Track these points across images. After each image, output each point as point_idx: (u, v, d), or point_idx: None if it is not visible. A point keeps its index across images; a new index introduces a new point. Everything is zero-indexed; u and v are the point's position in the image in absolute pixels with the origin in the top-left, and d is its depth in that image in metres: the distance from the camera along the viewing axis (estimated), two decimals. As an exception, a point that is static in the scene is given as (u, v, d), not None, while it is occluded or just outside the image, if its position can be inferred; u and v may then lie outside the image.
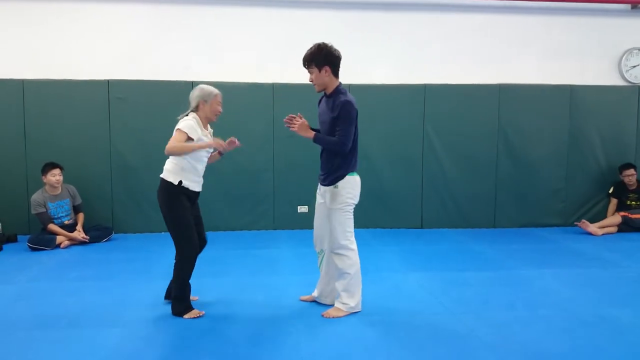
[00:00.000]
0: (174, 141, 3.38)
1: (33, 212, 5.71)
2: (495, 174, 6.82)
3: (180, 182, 3.47)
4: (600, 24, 7.01)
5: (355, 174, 3.54)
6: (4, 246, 5.64)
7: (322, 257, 3.73)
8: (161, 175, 3.53)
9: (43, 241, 5.53)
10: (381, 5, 6.73)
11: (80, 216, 5.96)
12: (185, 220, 3.45)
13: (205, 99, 3.56)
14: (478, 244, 5.78)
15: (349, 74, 6.67)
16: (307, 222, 6.70)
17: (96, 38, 6.37)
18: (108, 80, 6.28)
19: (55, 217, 5.76)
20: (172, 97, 6.28)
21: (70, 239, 5.67)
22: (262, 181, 6.60)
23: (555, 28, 6.95)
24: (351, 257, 3.52)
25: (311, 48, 3.47)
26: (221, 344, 3.04)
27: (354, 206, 3.59)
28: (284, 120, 3.62)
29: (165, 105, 6.22)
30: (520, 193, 6.87)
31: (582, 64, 7.01)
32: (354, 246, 3.56)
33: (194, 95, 3.57)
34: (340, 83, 3.56)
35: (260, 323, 3.38)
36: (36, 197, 5.70)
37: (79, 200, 5.99)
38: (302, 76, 6.59)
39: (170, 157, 3.51)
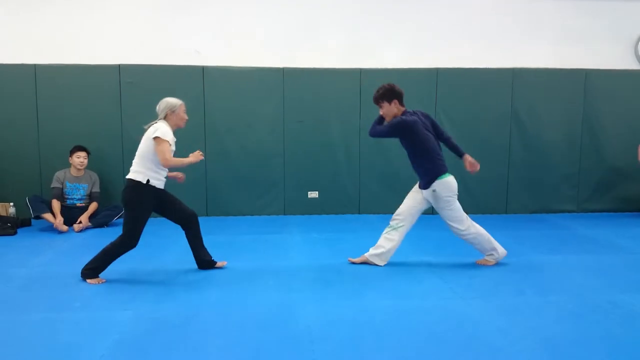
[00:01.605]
0: (167, 154, 3.78)
1: (51, 184, 5.89)
2: (508, 159, 6.77)
3: (148, 180, 3.84)
4: (615, 7, 6.88)
5: (446, 175, 4.18)
6: (19, 230, 5.71)
7: (394, 228, 4.35)
8: (128, 176, 3.89)
9: (34, 204, 5.75)
10: (393, -12, 6.65)
11: (93, 205, 5.96)
12: (142, 218, 3.86)
13: (172, 109, 3.95)
14: (489, 229, 5.75)
15: (360, 58, 6.66)
16: (317, 207, 6.72)
17: (107, 22, 6.37)
18: (119, 65, 6.29)
19: (69, 197, 5.88)
20: (182, 82, 6.30)
21: (55, 223, 5.64)
22: (273, 166, 6.61)
23: (569, 12, 6.84)
24: (468, 232, 4.26)
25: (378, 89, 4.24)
26: (231, 328, 3.06)
27: (455, 197, 4.23)
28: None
29: (175, 90, 6.18)
30: (533, 178, 6.81)
31: (597, 48, 6.89)
32: (465, 226, 4.24)
33: (162, 107, 3.96)
34: (405, 111, 4.24)
35: (271, 307, 3.40)
36: (59, 173, 5.94)
37: (96, 188, 6.03)
38: (311, 60, 6.62)
39: (139, 159, 3.88)
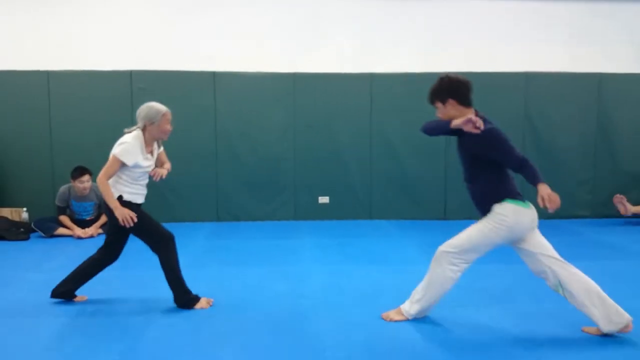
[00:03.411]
0: (105, 174, 3.30)
1: (55, 201, 5.81)
2: (521, 164, 6.69)
3: (121, 196, 3.36)
4: (629, 10, 6.81)
5: (514, 202, 3.09)
6: (31, 235, 5.74)
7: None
8: None
9: (43, 226, 5.68)
10: (404, -7, 6.64)
11: (105, 216, 5.92)
12: (144, 223, 3.38)
13: (152, 120, 3.37)
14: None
15: (371, 63, 6.64)
16: (327, 212, 6.70)
17: (119, 29, 6.42)
18: (131, 71, 6.32)
19: (77, 213, 5.84)
20: (193, 87, 6.32)
21: (73, 233, 5.65)
22: (283, 171, 6.60)
23: (583, 15, 6.78)
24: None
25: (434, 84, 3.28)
26: (243, 334, 3.04)
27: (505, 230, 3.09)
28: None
29: (187, 95, 6.26)
30: (548, 183, 6.68)
31: (611, 52, 6.82)
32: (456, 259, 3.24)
33: (140, 115, 3.39)
34: (476, 111, 3.25)
35: (283, 313, 3.37)
36: (63, 191, 5.76)
37: None
38: (322, 65, 6.61)
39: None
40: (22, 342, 2.94)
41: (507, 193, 3.09)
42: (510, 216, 3.03)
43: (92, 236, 5.67)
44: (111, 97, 6.31)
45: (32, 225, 5.73)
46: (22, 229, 5.70)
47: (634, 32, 6.83)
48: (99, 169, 6.02)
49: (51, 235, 5.65)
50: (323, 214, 6.67)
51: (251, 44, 6.56)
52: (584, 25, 6.79)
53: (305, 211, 6.68)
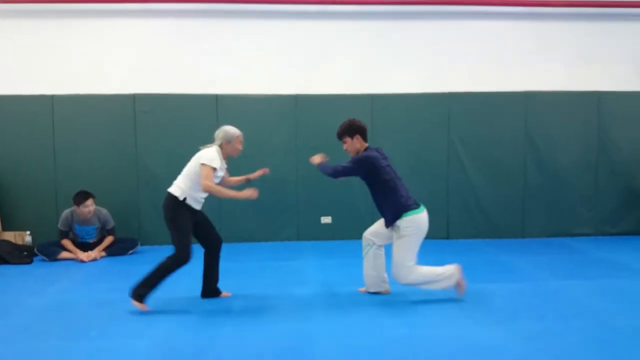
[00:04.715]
0: (208, 179, 3.81)
1: (58, 225, 5.81)
2: (523, 182, 6.71)
3: (185, 198, 3.88)
4: (629, 28, 6.89)
5: (414, 212, 4.00)
6: (34, 258, 5.73)
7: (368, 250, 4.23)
8: (169, 189, 3.94)
9: (47, 251, 5.68)
10: (404, 14, 6.73)
11: (109, 239, 5.90)
12: (185, 229, 3.88)
13: (228, 140, 4.01)
14: (506, 254, 5.69)
15: (372, 83, 6.71)
16: (331, 233, 6.70)
17: (122, 53, 6.51)
18: (134, 95, 6.39)
19: (80, 236, 5.85)
20: (196, 110, 6.38)
21: (76, 257, 5.65)
22: (286, 192, 6.61)
23: (582, 34, 6.86)
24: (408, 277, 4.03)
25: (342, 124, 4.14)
26: (247, 356, 3.03)
27: (417, 235, 4.04)
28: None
29: (190, 118, 6.32)
30: (549, 202, 6.74)
31: (610, 70, 6.88)
32: (405, 271, 4.00)
33: (219, 135, 4.02)
34: (368, 147, 4.15)
35: (287, 336, 3.36)
36: (65, 215, 5.77)
37: (110, 225, 5.91)
38: (324, 87, 6.68)
39: (183, 177, 3.94)
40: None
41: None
42: None
43: (94, 259, 5.67)
44: (115, 120, 6.37)
45: (35, 249, 5.73)
46: (25, 253, 5.70)
47: (632, 51, 6.90)
48: (103, 192, 6.11)
49: (55, 259, 5.65)
50: (326, 234, 6.67)
51: (253, 67, 6.64)
52: (583, 45, 6.86)
53: (309, 232, 6.68)
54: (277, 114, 6.54)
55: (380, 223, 4.21)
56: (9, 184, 6.30)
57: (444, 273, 4.02)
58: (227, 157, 4.08)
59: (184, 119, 6.34)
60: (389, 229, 4.07)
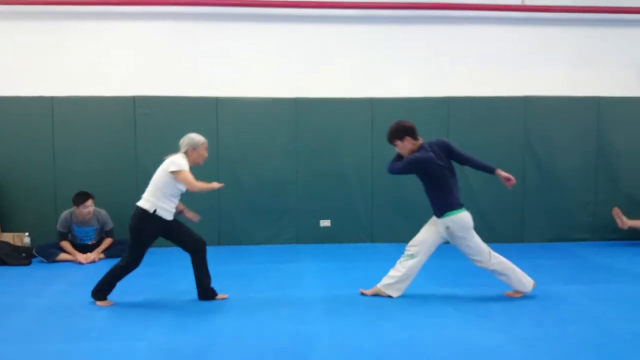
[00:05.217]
0: (192, 180, 3.88)
1: (57, 226, 5.81)
2: (522, 187, 6.70)
3: (155, 210, 3.92)
4: (628, 33, 6.92)
5: (458, 211, 4.13)
6: (33, 260, 5.73)
7: (408, 257, 4.26)
8: (138, 203, 4.00)
9: (45, 253, 5.67)
10: (404, 18, 6.74)
11: (107, 241, 5.90)
12: (145, 245, 4.00)
13: (194, 147, 4.04)
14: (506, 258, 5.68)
15: (371, 88, 6.72)
16: (330, 236, 6.70)
17: (122, 55, 6.51)
18: (134, 97, 6.39)
19: (79, 238, 5.84)
20: (196, 112, 6.39)
21: (75, 259, 5.66)
22: (285, 194, 6.62)
23: (581, 38, 6.88)
24: (490, 263, 4.19)
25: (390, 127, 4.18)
26: (247, 357, 3.03)
27: (470, 231, 4.17)
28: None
29: (190, 121, 6.31)
30: (548, 206, 6.75)
31: (610, 75, 6.90)
32: (485, 257, 4.19)
33: (184, 142, 4.06)
34: (422, 145, 4.17)
35: (286, 339, 3.36)
36: (65, 217, 5.78)
37: (109, 227, 5.92)
38: (323, 90, 6.68)
39: (151, 189, 3.98)
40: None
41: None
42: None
43: (93, 261, 5.66)
44: (114, 122, 6.37)
45: (33, 251, 5.72)
46: (23, 254, 5.69)
47: (632, 56, 6.92)
48: (102, 193, 6.11)
49: (53, 260, 5.64)
50: (325, 237, 6.67)
51: (253, 70, 6.65)
52: (583, 49, 6.88)
53: (308, 235, 6.68)
54: (276, 117, 6.55)
55: (427, 231, 4.28)
56: (8, 185, 6.29)
57: (524, 276, 4.20)
58: (193, 164, 4.07)
59: (184, 122, 6.32)
60: (439, 228, 4.18)
